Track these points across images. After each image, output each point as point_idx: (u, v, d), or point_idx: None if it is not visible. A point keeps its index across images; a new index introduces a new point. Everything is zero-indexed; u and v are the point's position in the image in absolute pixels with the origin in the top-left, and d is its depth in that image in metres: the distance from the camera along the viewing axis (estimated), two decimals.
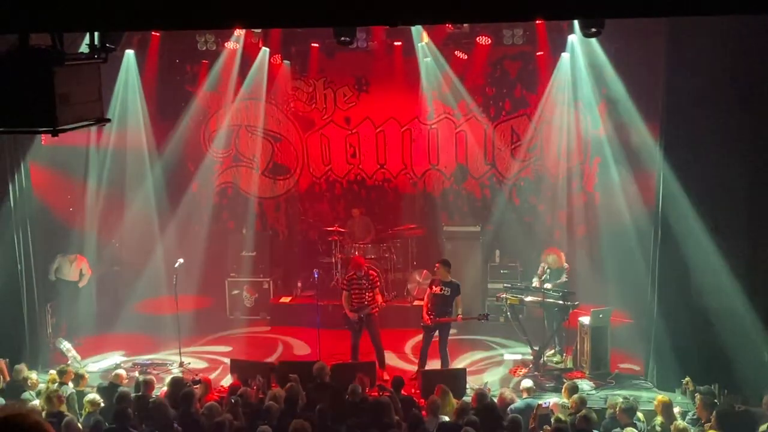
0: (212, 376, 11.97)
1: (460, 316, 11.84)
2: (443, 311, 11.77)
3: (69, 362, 12.07)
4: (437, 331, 11.87)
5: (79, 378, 10.59)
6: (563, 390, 10.13)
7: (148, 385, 10.11)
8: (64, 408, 9.44)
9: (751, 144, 10.43)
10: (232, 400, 9.38)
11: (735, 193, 10.55)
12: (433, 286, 11.91)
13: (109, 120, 6.20)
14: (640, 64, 12.95)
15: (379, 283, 12.40)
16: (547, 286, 12.26)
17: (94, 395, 9.69)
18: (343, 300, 12.21)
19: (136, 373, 11.68)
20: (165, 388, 10.47)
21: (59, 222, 14.29)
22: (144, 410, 9.24)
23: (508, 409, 9.41)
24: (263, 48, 14.79)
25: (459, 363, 12.36)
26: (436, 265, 12.07)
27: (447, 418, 9.18)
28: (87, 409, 9.47)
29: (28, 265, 12.32)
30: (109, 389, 10.22)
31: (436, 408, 9.29)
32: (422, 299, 12.47)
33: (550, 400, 10.06)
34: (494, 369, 12.43)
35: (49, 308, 13.14)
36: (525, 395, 10.00)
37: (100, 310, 14.60)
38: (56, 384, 10.26)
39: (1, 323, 11.84)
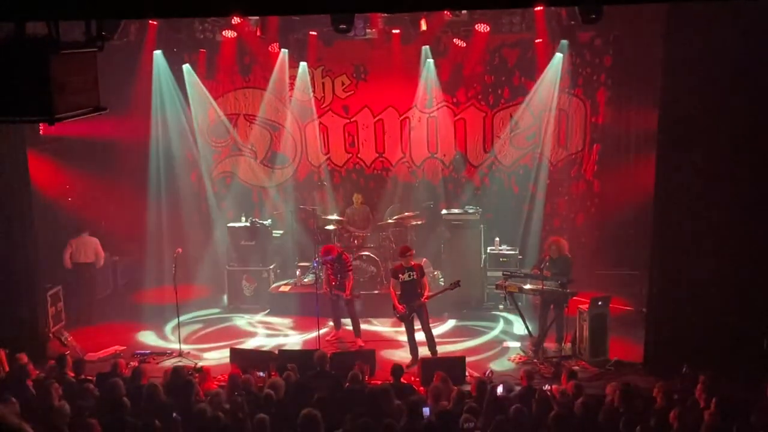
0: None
1: (427, 294, 12.00)
2: (414, 295, 11.90)
3: (68, 351, 12.07)
4: (415, 317, 11.98)
5: (78, 367, 10.59)
6: (562, 377, 10.15)
7: (144, 374, 10.12)
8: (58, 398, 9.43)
9: (751, 129, 10.39)
10: (236, 394, 9.36)
11: (735, 179, 10.53)
12: (399, 275, 12.03)
13: (105, 109, 6.16)
14: (639, 51, 12.94)
15: (350, 268, 12.88)
16: (546, 274, 12.23)
17: (91, 385, 9.68)
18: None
19: (136, 363, 11.67)
20: (162, 378, 10.47)
21: (58, 212, 14.28)
22: (140, 400, 9.24)
23: (510, 395, 9.42)
24: (261, 36, 14.73)
25: (458, 351, 12.37)
26: (402, 251, 12.17)
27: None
28: (85, 399, 9.47)
29: (26, 255, 12.30)
30: (108, 378, 10.22)
31: (438, 394, 9.31)
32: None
33: (551, 386, 10.08)
34: (493, 357, 12.42)
35: (48, 298, 13.13)
36: (524, 382, 10.01)
37: (99, 300, 14.62)
38: (56, 374, 10.27)
39: (0, 313, 11.82)
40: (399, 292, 12.07)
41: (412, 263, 12.12)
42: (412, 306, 11.91)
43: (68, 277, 14.10)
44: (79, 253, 14.16)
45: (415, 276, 11.99)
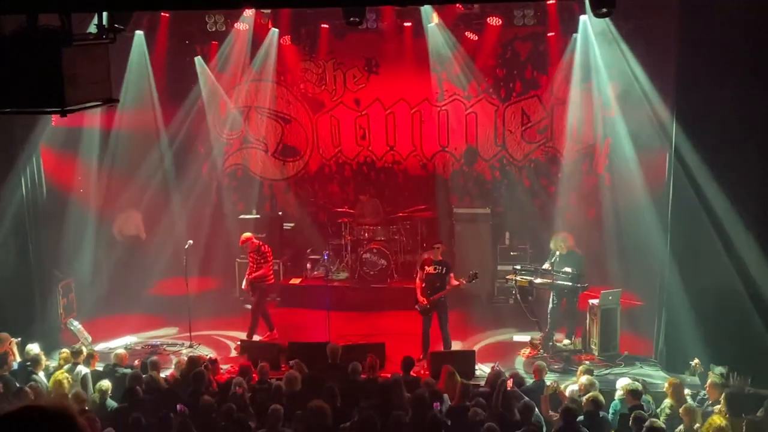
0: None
1: (453, 283, 11.91)
2: (437, 289, 11.82)
3: (80, 343, 12.13)
4: (436, 313, 11.89)
5: (89, 358, 10.66)
6: (578, 372, 10.12)
7: (154, 365, 10.16)
8: (73, 389, 9.50)
9: (765, 121, 10.32)
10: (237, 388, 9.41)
11: (748, 173, 10.46)
12: (426, 267, 11.93)
13: (117, 100, 6.19)
14: (652, 44, 12.85)
15: (269, 258, 12.88)
16: (567, 270, 12.16)
17: (106, 380, 9.72)
18: None
19: (153, 355, 11.73)
20: (173, 369, 10.54)
21: (70, 203, 14.32)
22: (150, 390, 9.32)
23: (520, 389, 9.43)
24: (272, 29, 14.74)
25: (467, 345, 12.36)
26: (439, 245, 12.02)
27: (448, 399, 9.20)
28: (98, 393, 9.51)
29: (39, 246, 12.37)
30: (112, 370, 10.30)
31: (438, 389, 9.35)
32: None
33: (571, 385, 10.03)
34: (503, 351, 12.41)
35: (60, 289, 13.20)
36: (536, 377, 9.99)
37: (110, 291, 14.68)
38: (69, 364, 10.35)
39: (12, 304, 11.89)
40: (423, 285, 11.96)
41: (440, 258, 11.99)
42: (435, 301, 11.84)
43: (117, 248, 15.05)
44: (125, 226, 15.11)
45: (442, 271, 11.88)
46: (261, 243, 12.97)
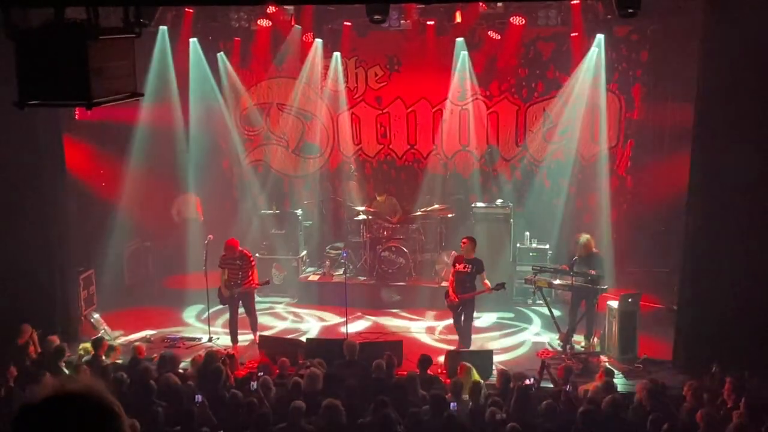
0: None
1: (486, 286, 11.85)
2: (467, 288, 11.80)
3: (100, 335, 12.22)
4: (461, 309, 11.87)
5: (110, 351, 10.74)
6: (597, 374, 10.08)
7: (173, 359, 10.21)
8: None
9: None
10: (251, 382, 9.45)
11: None
12: (457, 264, 11.91)
13: (142, 94, 6.21)
14: (675, 46, 12.80)
15: (254, 263, 12.57)
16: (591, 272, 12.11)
17: (123, 373, 9.78)
18: (220, 277, 12.45)
19: (172, 348, 11.80)
20: (190, 364, 10.58)
21: (92, 196, 14.44)
22: (165, 384, 9.36)
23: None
24: (295, 26, 14.77)
25: (485, 345, 12.34)
26: (464, 241, 12.00)
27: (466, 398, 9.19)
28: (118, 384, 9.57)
29: (61, 239, 12.46)
30: (131, 362, 10.36)
31: (458, 388, 9.32)
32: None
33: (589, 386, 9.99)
34: (521, 351, 12.39)
35: (80, 281, 13.30)
36: (560, 375, 9.90)
37: (130, 285, 14.78)
38: (89, 356, 10.43)
39: (33, 295, 11.98)
40: (455, 282, 11.91)
41: (473, 256, 11.91)
42: (463, 299, 11.80)
43: (173, 230, 15.72)
44: (184, 208, 15.67)
45: (471, 269, 11.83)
46: (243, 250, 12.60)
